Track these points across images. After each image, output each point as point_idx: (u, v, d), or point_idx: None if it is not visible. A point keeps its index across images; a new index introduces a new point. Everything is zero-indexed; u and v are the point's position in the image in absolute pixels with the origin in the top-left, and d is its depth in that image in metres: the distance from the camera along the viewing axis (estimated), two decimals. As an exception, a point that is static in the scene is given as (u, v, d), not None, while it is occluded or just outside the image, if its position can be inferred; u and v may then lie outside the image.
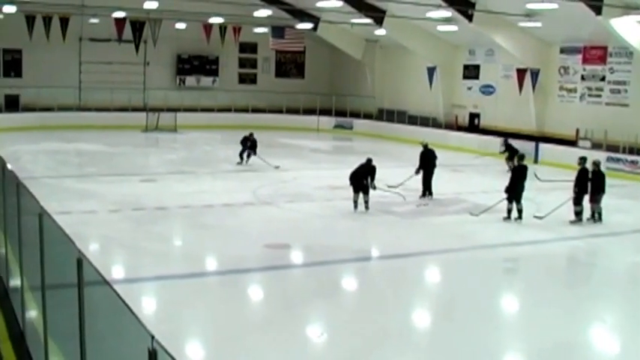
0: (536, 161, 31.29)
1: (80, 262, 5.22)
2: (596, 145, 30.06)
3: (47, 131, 35.93)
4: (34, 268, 7.43)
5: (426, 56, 39.74)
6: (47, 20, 35.54)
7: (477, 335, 10.74)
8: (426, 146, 22.34)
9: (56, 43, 36.40)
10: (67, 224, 6.73)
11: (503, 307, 12.87)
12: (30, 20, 35.36)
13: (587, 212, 18.81)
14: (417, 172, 21.87)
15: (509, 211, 18.69)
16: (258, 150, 27.48)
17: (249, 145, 27.37)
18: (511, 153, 25.99)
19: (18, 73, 40.57)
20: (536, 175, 19.99)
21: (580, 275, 15.61)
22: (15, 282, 9.49)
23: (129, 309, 4.35)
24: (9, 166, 9.92)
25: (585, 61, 32.40)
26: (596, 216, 18.88)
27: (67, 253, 5.92)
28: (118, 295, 4.55)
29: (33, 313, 8.26)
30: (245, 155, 27.44)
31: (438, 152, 22.60)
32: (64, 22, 35.79)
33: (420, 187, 21.82)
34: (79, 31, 39.37)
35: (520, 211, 18.70)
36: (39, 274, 7.08)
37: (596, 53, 31.85)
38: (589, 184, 18.63)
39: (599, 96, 31.78)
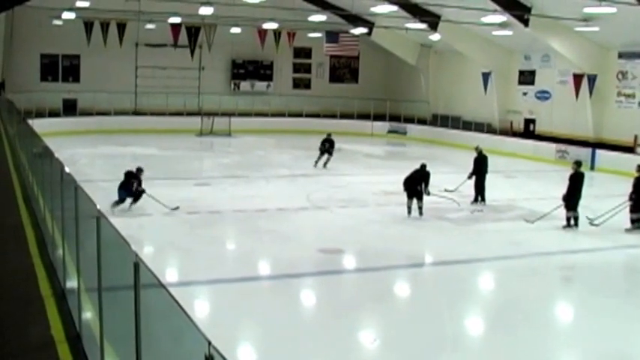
0: (592, 168, 30.84)
1: (137, 266, 5.25)
2: (654, 152, 29.55)
3: (103, 135, 36.45)
4: (90, 270, 7.51)
5: (481, 61, 39.45)
6: (105, 26, 36.19)
7: (532, 345, 10.57)
8: (480, 152, 22.19)
9: (113, 49, 37.01)
10: (122, 227, 6.76)
11: (559, 316, 12.67)
12: (88, 26, 36.04)
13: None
14: (470, 177, 21.75)
15: (569, 219, 18.42)
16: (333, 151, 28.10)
17: (326, 147, 27.59)
18: None
19: (76, 78, 41.33)
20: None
21: (637, 284, 15.31)
22: (72, 283, 9.58)
23: (185, 314, 4.35)
24: (67, 170, 10.04)
25: (644, 66, 31.87)
26: None
27: (123, 256, 5.96)
28: (175, 299, 4.56)
29: (89, 315, 8.33)
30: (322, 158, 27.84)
31: (492, 158, 22.40)
32: (121, 27, 36.39)
33: (473, 193, 21.69)
34: (136, 37, 39.93)
35: (576, 219, 18.43)
36: (95, 276, 7.13)
37: (655, 58, 31.29)
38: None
39: (659, 101, 31.24)
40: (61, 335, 8.72)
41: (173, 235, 16.84)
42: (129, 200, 19.03)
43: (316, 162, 28.04)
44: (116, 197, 18.55)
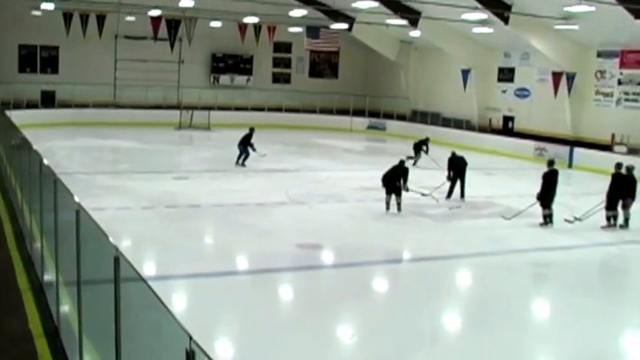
0: (570, 166, 31.08)
1: (117, 259, 5.25)
2: (632, 151, 29.74)
3: (82, 127, 36.24)
4: (69, 263, 7.49)
5: (461, 58, 39.59)
6: (84, 18, 35.93)
7: (508, 341, 10.66)
8: (453, 153, 22.40)
9: (92, 41, 36.79)
10: (100, 220, 6.75)
11: (535, 312, 12.76)
12: (67, 18, 35.75)
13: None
14: (449, 178, 21.89)
15: (545, 217, 18.55)
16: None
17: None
18: None
19: (54, 70, 41.04)
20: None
21: (613, 281, 15.42)
22: (50, 277, 9.56)
23: (166, 308, 4.35)
24: (45, 162, 10.00)
25: (622, 65, 32.07)
26: (623, 222, 18.70)
27: (102, 249, 5.96)
28: (156, 293, 4.56)
29: (67, 309, 8.32)
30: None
31: (472, 155, 22.52)
32: (101, 19, 36.15)
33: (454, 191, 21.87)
34: (115, 29, 39.69)
35: (551, 216, 18.55)
36: (74, 270, 7.12)
37: (633, 57, 31.50)
38: (622, 190, 18.49)
39: (636, 100, 31.45)
40: (38, 329, 8.70)
41: (152, 228, 16.80)
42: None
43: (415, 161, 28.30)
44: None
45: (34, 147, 12.03)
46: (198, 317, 10.51)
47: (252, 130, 27.28)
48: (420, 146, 29.04)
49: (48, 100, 39.62)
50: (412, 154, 28.75)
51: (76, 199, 7.40)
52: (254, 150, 27.11)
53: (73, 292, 7.49)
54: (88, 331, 6.86)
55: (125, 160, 28.22)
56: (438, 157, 26.29)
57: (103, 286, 5.96)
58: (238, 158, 27.11)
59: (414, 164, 27.76)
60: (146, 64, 41.34)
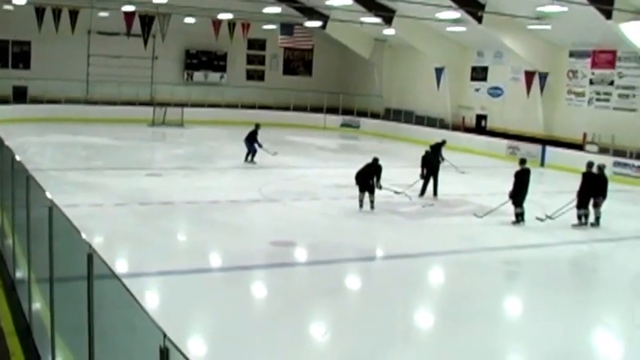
0: (542, 164, 31.29)
1: (91, 257, 5.23)
2: (603, 150, 30.02)
3: (54, 123, 36.00)
4: (41, 260, 7.44)
5: (435, 57, 39.74)
6: (56, 13, 35.63)
7: (479, 338, 10.73)
8: (427, 152, 22.48)
9: (65, 36, 36.50)
10: (72, 217, 6.72)
11: (506, 310, 12.86)
12: (39, 12, 35.44)
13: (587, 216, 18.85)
14: (422, 176, 21.97)
15: (517, 215, 18.68)
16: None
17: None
18: None
19: (26, 65, 40.66)
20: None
21: (583, 280, 15.57)
22: (22, 274, 9.50)
23: (140, 305, 4.34)
24: (17, 158, 9.93)
25: (594, 65, 32.37)
26: (594, 220, 18.87)
27: (75, 247, 5.93)
28: (129, 291, 4.55)
29: (39, 306, 8.27)
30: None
31: (444, 153, 22.65)
32: (74, 14, 35.88)
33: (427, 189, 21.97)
34: (88, 24, 39.41)
35: (522, 215, 18.69)
36: (46, 267, 7.07)
37: (605, 57, 31.80)
38: (593, 188, 18.65)
39: (608, 100, 31.75)
40: (10, 327, 8.64)
41: (124, 225, 16.71)
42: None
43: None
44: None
45: (6, 143, 11.94)
46: (171, 315, 10.48)
47: (257, 126, 27.40)
48: (439, 150, 28.43)
49: (20, 95, 39.26)
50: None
51: (49, 195, 7.36)
52: (260, 146, 27.20)
53: (45, 289, 7.44)
54: (60, 328, 6.83)
55: (98, 156, 28.04)
56: (413, 155, 26.36)
57: (75, 283, 5.93)
58: (247, 155, 27.20)
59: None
60: (119, 60, 41.06)
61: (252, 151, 27.02)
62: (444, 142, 25.75)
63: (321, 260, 15.02)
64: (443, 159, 25.10)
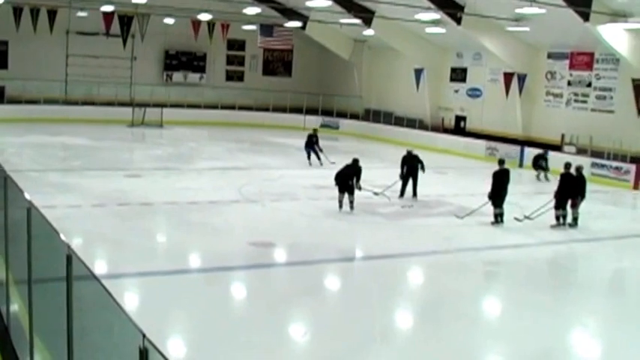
0: (521, 165, 31.44)
1: (70, 258, 5.21)
2: (581, 151, 30.21)
3: (32, 124, 35.74)
4: (19, 261, 7.41)
5: (414, 58, 39.85)
6: (35, 12, 35.47)
7: (459, 338, 10.77)
8: (409, 152, 22.51)
9: (43, 36, 36.35)
10: (51, 218, 6.70)
11: (485, 310, 12.90)
12: (17, 12, 35.28)
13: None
14: (402, 176, 22.02)
15: (496, 215, 18.77)
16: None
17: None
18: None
19: (4, 65, 40.33)
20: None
21: (561, 280, 15.64)
22: (-1, 275, 9.44)
23: (119, 306, 4.34)
24: (-5, 159, 9.89)
25: (572, 66, 32.60)
26: (572, 221, 19.00)
27: (54, 248, 5.91)
28: (108, 292, 4.54)
29: (18, 308, 8.23)
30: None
31: (424, 154, 22.73)
32: (52, 14, 35.73)
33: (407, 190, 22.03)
34: (67, 24, 39.24)
35: (502, 215, 18.79)
36: (24, 268, 7.04)
37: (582, 59, 32.02)
38: (571, 190, 18.78)
39: (585, 102, 31.97)
40: (-13, 328, 8.58)
41: (103, 226, 16.62)
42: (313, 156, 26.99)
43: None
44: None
45: (-16, 144, 11.87)
46: (150, 315, 10.46)
47: (315, 131, 28.92)
48: (539, 161, 28.46)
49: (-3, 96, 39.05)
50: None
51: (27, 196, 7.33)
52: (321, 151, 28.07)
53: (23, 290, 7.41)
54: (39, 329, 6.80)
55: (76, 157, 27.92)
56: (393, 156, 26.43)
57: (54, 284, 5.91)
58: (309, 158, 28.31)
59: (537, 178, 28.16)
60: (98, 60, 40.88)
61: (313, 154, 28.11)
62: (546, 153, 28.47)
63: (300, 261, 15.03)
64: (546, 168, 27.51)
